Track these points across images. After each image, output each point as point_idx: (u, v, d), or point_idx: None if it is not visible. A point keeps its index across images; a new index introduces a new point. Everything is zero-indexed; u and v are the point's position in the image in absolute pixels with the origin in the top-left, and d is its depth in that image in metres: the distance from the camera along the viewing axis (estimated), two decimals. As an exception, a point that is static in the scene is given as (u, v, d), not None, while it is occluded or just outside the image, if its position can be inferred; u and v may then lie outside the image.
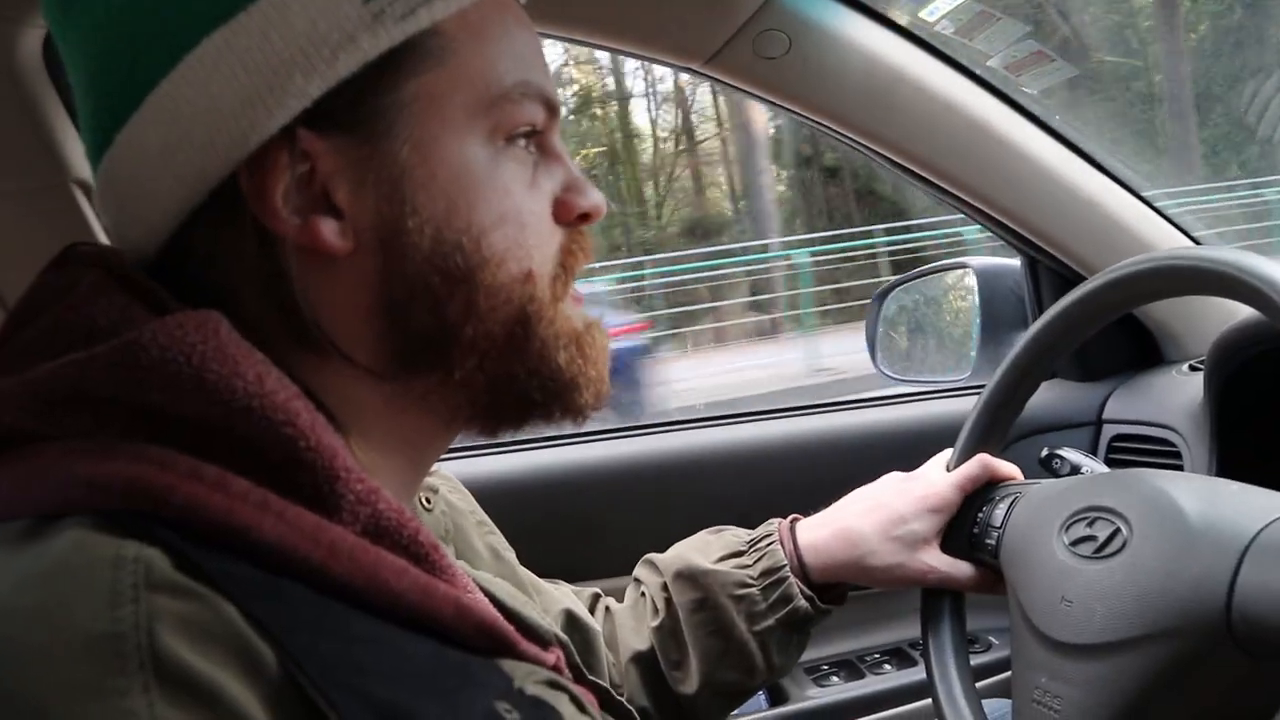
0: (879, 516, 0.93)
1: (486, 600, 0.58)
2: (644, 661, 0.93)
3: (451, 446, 0.67)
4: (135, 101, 0.53)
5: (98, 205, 0.60)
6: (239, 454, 0.48)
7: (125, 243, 0.58)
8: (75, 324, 0.52)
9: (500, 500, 0.94)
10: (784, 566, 0.91)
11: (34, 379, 0.49)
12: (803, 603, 0.91)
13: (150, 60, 0.53)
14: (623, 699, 0.78)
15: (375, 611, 0.49)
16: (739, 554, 0.94)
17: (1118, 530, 0.77)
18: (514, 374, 0.60)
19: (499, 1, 0.60)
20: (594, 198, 0.64)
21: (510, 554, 0.85)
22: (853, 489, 1.00)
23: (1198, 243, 1.36)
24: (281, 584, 0.47)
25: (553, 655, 0.62)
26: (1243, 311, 0.88)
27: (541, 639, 0.67)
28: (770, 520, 0.97)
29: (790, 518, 0.97)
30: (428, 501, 0.76)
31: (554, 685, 0.57)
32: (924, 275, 1.69)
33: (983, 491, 0.94)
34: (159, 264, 0.57)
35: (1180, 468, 1.15)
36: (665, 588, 0.95)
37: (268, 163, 0.53)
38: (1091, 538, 0.78)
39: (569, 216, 0.63)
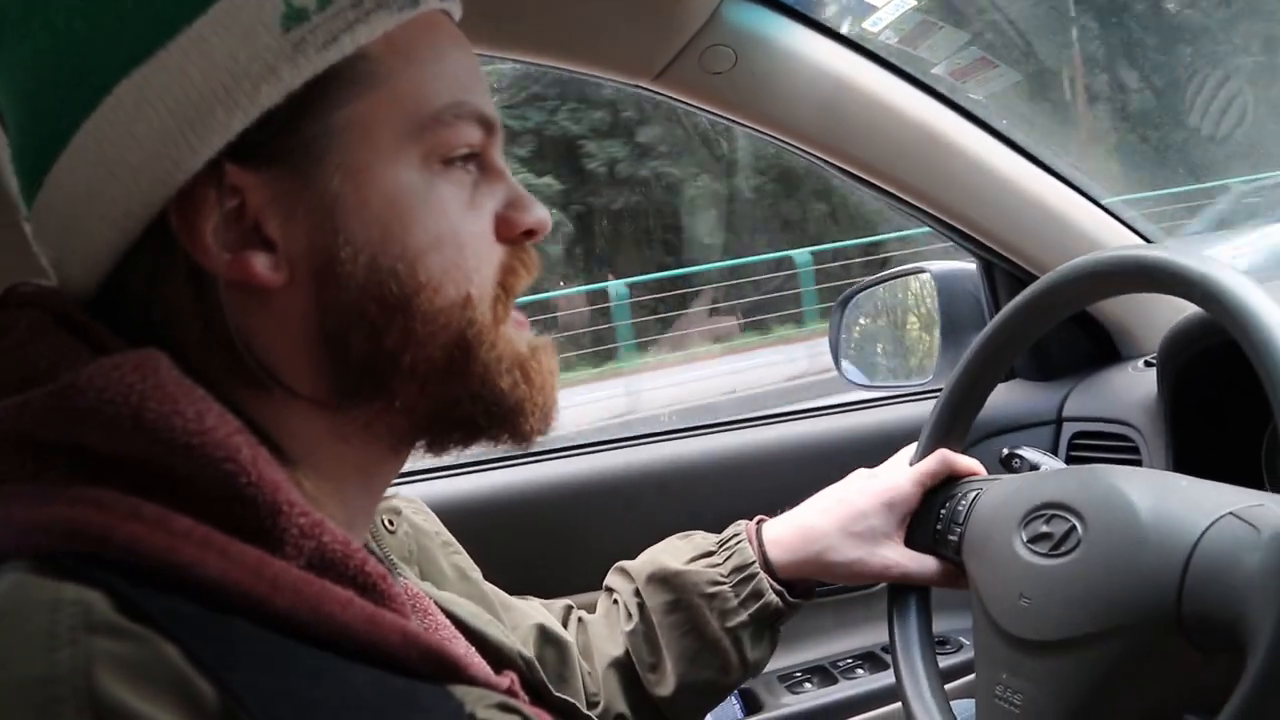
0: (839, 512, 0.94)
1: (444, 622, 0.58)
2: (620, 667, 0.94)
3: (417, 469, 0.67)
4: (61, 143, 0.53)
5: (35, 244, 0.59)
6: (180, 492, 0.48)
7: (66, 282, 0.58)
8: (12, 367, 0.52)
9: (469, 520, 0.94)
10: (753, 563, 0.93)
11: None
12: (773, 598, 0.92)
13: (73, 101, 0.53)
14: (590, 715, 0.79)
15: (321, 644, 0.49)
16: (709, 554, 0.95)
17: (1073, 528, 0.77)
18: (457, 399, 0.60)
19: (428, 22, 0.60)
20: (538, 213, 0.63)
21: (476, 573, 0.85)
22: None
23: (1148, 239, 1.39)
24: (225, 620, 0.47)
25: (506, 679, 0.62)
26: (1191, 306, 0.89)
27: (505, 658, 0.67)
28: (738, 521, 0.98)
29: (756, 519, 0.98)
30: (390, 524, 0.76)
31: (506, 709, 0.57)
32: (883, 281, 1.70)
33: (945, 487, 0.95)
34: (100, 301, 0.57)
35: (1139, 463, 1.16)
36: (638, 592, 0.96)
37: (196, 199, 0.53)
38: (1048, 535, 0.79)
39: (512, 234, 0.62)
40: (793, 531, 0.95)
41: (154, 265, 0.55)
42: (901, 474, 0.96)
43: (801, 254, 10.58)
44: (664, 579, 0.94)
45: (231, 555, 0.47)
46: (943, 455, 0.96)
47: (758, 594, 0.92)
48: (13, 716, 0.41)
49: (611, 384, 9.30)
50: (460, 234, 0.59)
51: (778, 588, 0.92)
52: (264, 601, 0.47)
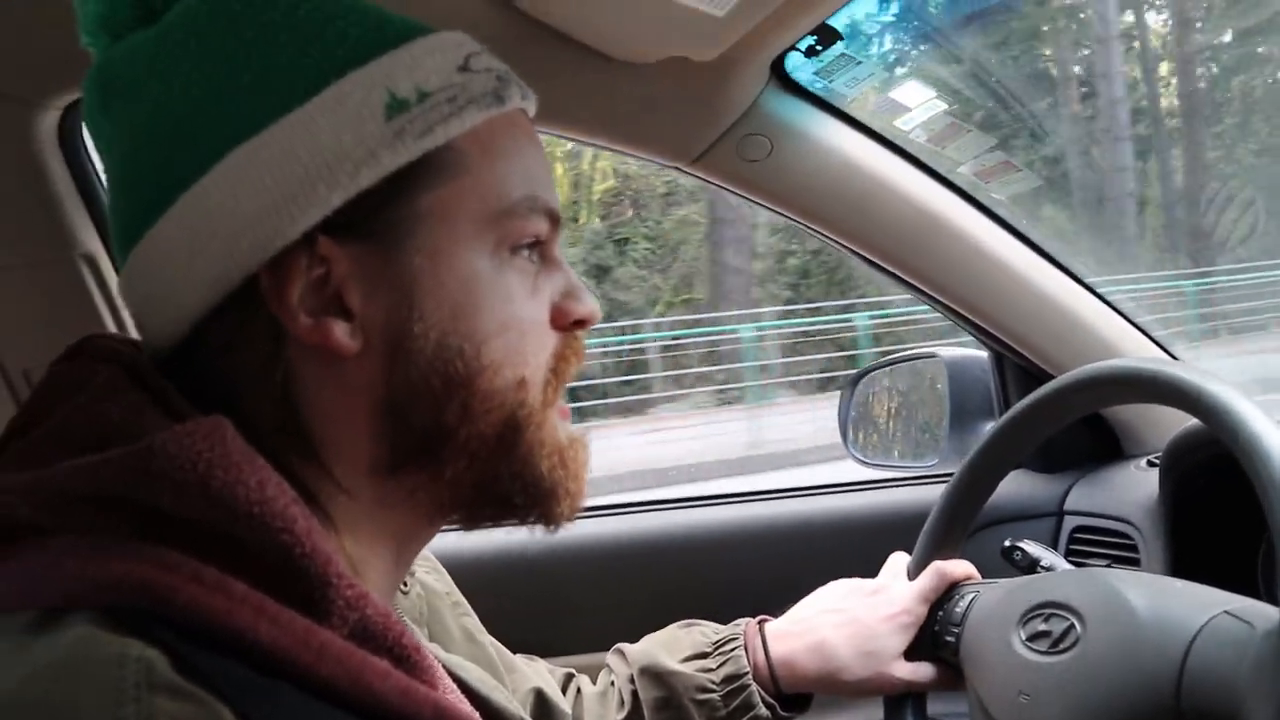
0: (852, 632, 0.96)
1: (465, 701, 0.60)
2: None
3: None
4: (166, 203, 0.56)
5: (122, 295, 0.62)
6: (238, 557, 0.50)
7: (147, 332, 0.61)
8: (88, 423, 0.54)
9: (479, 575, 0.96)
10: (746, 674, 0.94)
11: (50, 477, 0.51)
12: (763, 711, 0.93)
13: (183, 164, 0.56)
14: None
15: (358, 712, 0.50)
16: (704, 655, 0.96)
17: (1072, 626, 0.80)
18: (499, 475, 0.62)
19: (510, 119, 0.63)
20: (590, 304, 0.66)
21: (484, 635, 0.87)
22: (819, 573, 1.03)
23: (1158, 341, 1.42)
24: (272, 685, 0.48)
25: None
26: (1196, 416, 0.93)
27: None
28: (738, 621, 1.00)
29: (759, 619, 0.99)
30: (404, 585, 0.77)
31: None
32: (894, 363, 1.74)
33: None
34: (175, 353, 0.59)
35: (1137, 561, 1.18)
36: (632, 679, 0.97)
37: (287, 265, 0.56)
38: (1047, 633, 0.81)
39: (565, 322, 0.65)
40: (804, 648, 0.96)
41: (237, 323, 0.58)
42: (907, 592, 0.98)
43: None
44: (657, 675, 0.96)
45: (282, 623, 0.49)
46: (939, 570, 0.98)
47: (747, 706, 0.93)
48: None
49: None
50: (523, 320, 0.62)
51: (769, 700, 0.94)
52: (309, 669, 0.49)
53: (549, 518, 0.65)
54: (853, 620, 0.97)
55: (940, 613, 0.95)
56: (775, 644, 0.97)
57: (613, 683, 0.99)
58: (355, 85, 0.57)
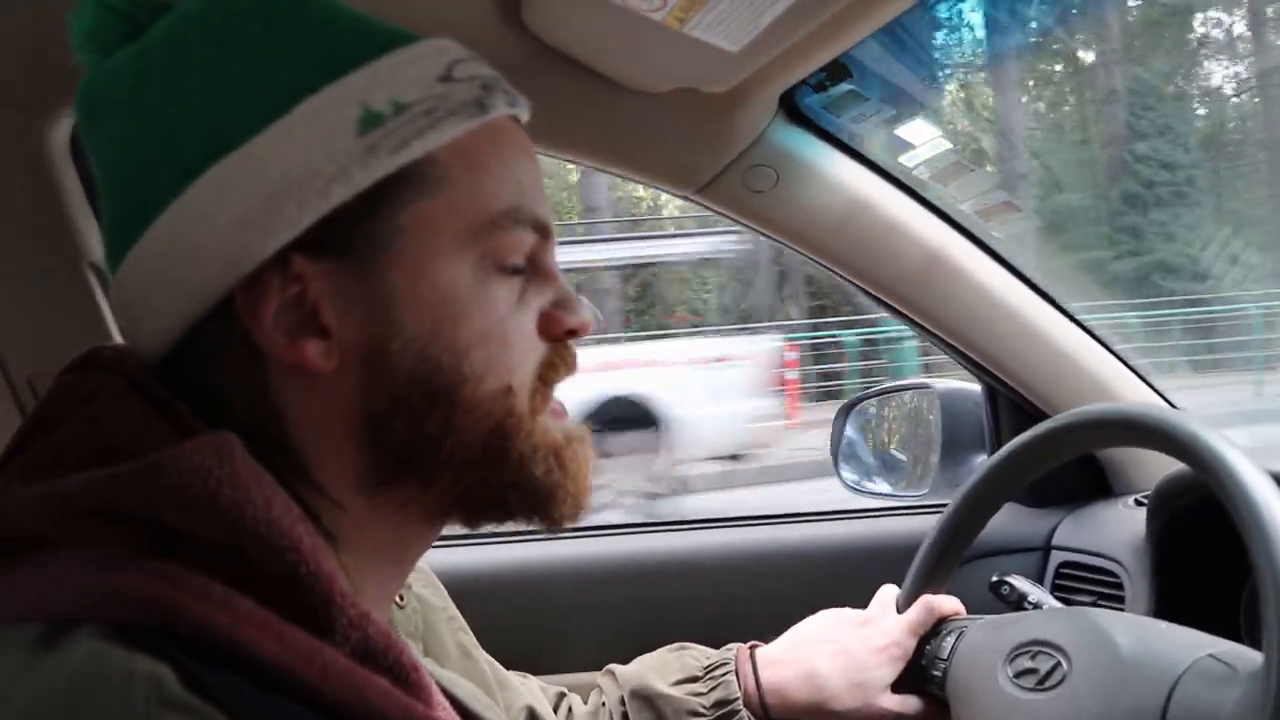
0: (843, 663, 0.96)
1: (453, 713, 0.60)
2: None
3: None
4: (147, 221, 0.57)
5: (113, 310, 0.63)
6: (244, 574, 0.50)
7: (135, 346, 0.61)
8: (96, 436, 0.55)
9: (476, 589, 0.97)
10: (736, 700, 0.95)
11: (59, 489, 0.51)
12: None
13: (163, 180, 0.56)
14: None
15: None
16: (695, 679, 0.97)
17: (1059, 663, 0.81)
18: (490, 483, 0.62)
19: (495, 128, 0.62)
20: (583, 315, 0.66)
21: (478, 650, 0.87)
22: (809, 600, 1.04)
23: (1150, 383, 1.43)
24: (277, 703, 0.48)
25: None
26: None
27: None
28: (730, 645, 1.00)
29: (750, 645, 1.00)
30: (400, 598, 0.77)
31: None
32: (888, 392, 1.75)
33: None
34: (164, 365, 0.60)
35: (1122, 599, 1.20)
36: (623, 701, 0.97)
37: (261, 284, 0.56)
38: (1034, 670, 0.82)
39: (556, 332, 0.64)
40: (795, 676, 0.97)
41: (216, 341, 0.58)
42: (899, 627, 0.99)
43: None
44: (648, 698, 0.96)
45: (286, 639, 0.49)
46: (928, 604, 0.99)
47: None
48: None
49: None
50: (507, 332, 0.61)
51: None
52: (314, 687, 0.49)
53: (550, 519, 0.65)
54: (844, 651, 0.97)
55: (927, 648, 0.96)
56: (766, 671, 0.97)
57: (604, 704, 1.00)
58: (329, 100, 0.56)
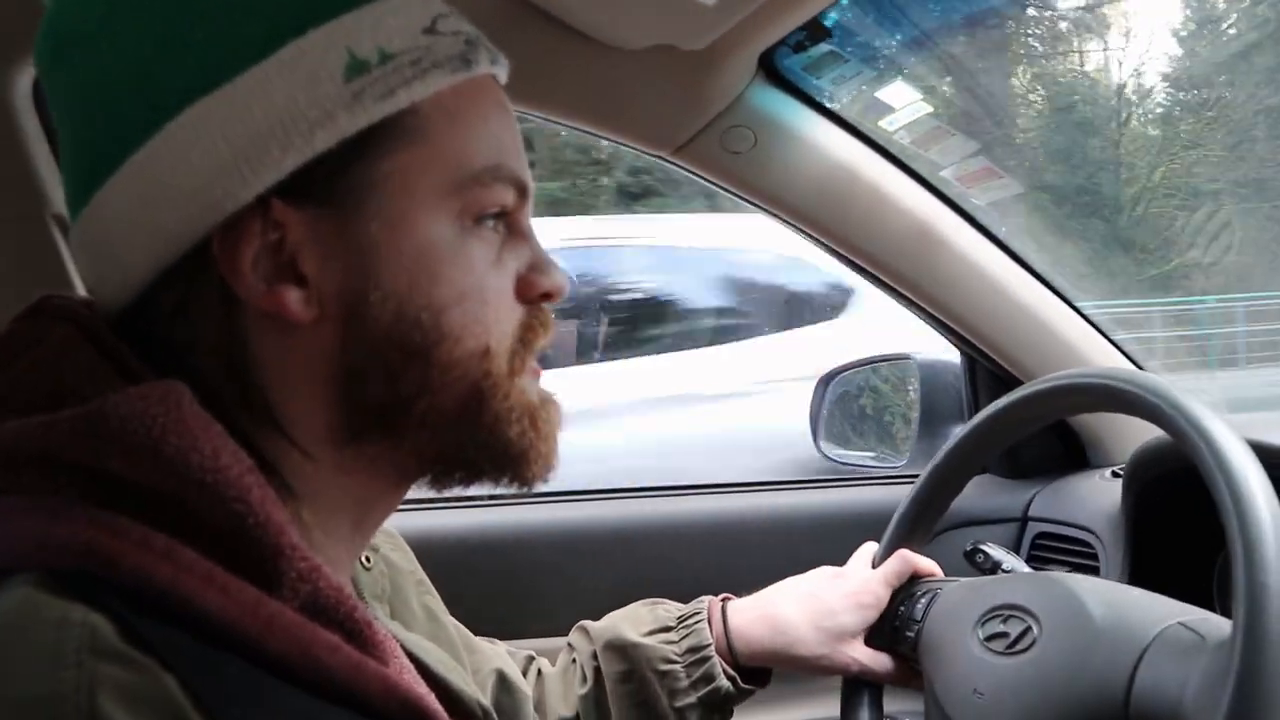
0: (809, 607, 0.96)
1: (416, 676, 0.59)
2: None
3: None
4: (116, 162, 0.55)
5: (73, 255, 0.61)
6: (189, 525, 0.49)
7: (97, 294, 0.60)
8: (41, 380, 0.53)
9: (445, 554, 0.96)
10: (708, 646, 0.94)
11: None
12: (724, 683, 0.93)
13: (133, 123, 0.55)
14: None
15: (307, 686, 0.50)
16: (667, 629, 0.96)
17: (1029, 628, 0.81)
18: (463, 444, 0.62)
19: (477, 85, 0.62)
20: (556, 279, 0.65)
21: (445, 615, 0.86)
22: (786, 567, 1.03)
23: (1126, 353, 1.43)
24: (219, 656, 0.47)
25: None
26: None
27: (465, 707, 0.68)
28: (702, 597, 1.00)
29: (721, 596, 1.00)
30: (367, 560, 0.76)
31: None
32: (868, 363, 1.75)
33: (904, 587, 0.98)
34: (127, 316, 0.58)
35: (1097, 569, 1.20)
36: (595, 656, 0.97)
37: (240, 229, 0.55)
38: (1004, 634, 0.82)
39: (531, 294, 0.64)
40: (761, 620, 0.96)
41: (188, 288, 0.56)
42: (872, 576, 0.98)
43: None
44: (621, 648, 0.95)
45: (231, 592, 0.48)
46: (905, 556, 0.99)
47: (709, 678, 0.93)
48: None
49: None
50: (485, 290, 0.61)
51: (730, 673, 0.94)
52: (257, 641, 0.48)
53: (520, 479, 0.64)
54: (810, 596, 0.97)
55: (901, 609, 0.96)
56: (734, 618, 0.97)
57: (574, 660, 0.99)
58: (314, 44, 0.55)
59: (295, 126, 0.54)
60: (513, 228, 0.64)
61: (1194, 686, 0.68)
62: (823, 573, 1.02)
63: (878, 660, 0.96)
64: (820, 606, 0.96)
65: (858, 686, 0.98)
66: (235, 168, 0.54)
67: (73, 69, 0.57)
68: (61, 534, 0.47)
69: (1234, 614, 0.66)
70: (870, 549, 1.03)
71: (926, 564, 1.00)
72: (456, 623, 0.88)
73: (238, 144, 0.54)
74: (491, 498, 1.33)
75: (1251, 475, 0.69)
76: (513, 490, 0.65)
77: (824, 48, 1.09)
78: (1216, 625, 0.73)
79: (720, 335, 4.06)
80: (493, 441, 0.62)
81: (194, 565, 0.48)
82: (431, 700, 0.58)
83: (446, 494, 0.67)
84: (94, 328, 0.56)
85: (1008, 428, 0.96)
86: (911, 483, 1.04)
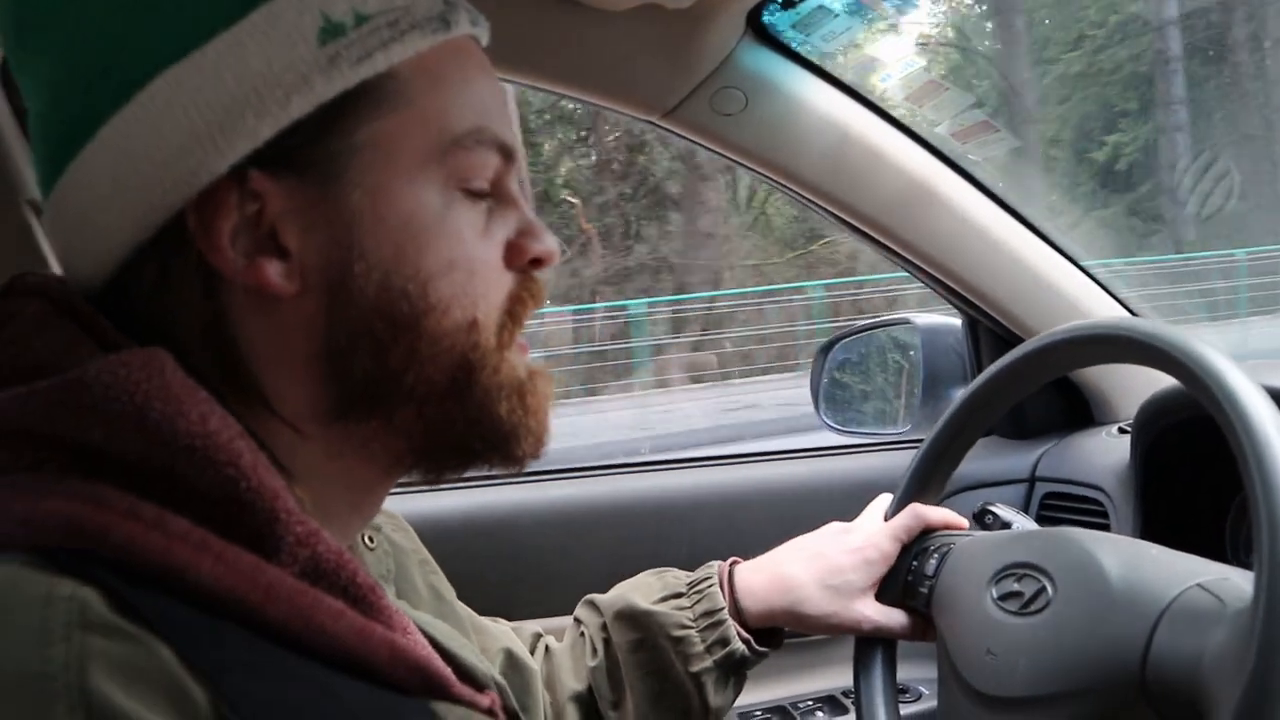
0: (816, 565, 0.94)
1: (424, 642, 0.58)
2: (581, 702, 0.94)
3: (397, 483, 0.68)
4: (87, 135, 0.54)
5: (47, 234, 0.60)
6: (180, 493, 0.48)
7: (73, 272, 0.58)
8: (16, 357, 0.52)
9: (446, 536, 0.94)
10: (722, 609, 0.92)
11: None
12: (739, 645, 0.91)
13: (103, 94, 0.53)
14: None
15: (310, 653, 0.49)
16: (679, 595, 0.95)
17: (1044, 588, 0.79)
18: (452, 421, 0.60)
19: (457, 47, 0.60)
20: (548, 243, 0.64)
21: (451, 594, 0.85)
22: (788, 539, 1.01)
23: (1129, 308, 1.42)
24: (217, 625, 0.47)
25: (488, 698, 0.62)
26: (1167, 379, 0.92)
27: (477, 682, 0.67)
28: (710, 563, 0.98)
29: (730, 561, 0.98)
30: (370, 540, 0.75)
31: None
32: (868, 330, 1.73)
33: (917, 541, 0.96)
34: (105, 294, 0.57)
35: (1107, 527, 1.18)
36: (605, 628, 0.96)
37: (216, 201, 0.54)
38: (1018, 593, 0.80)
39: (521, 261, 0.63)
40: (768, 581, 0.95)
41: (165, 264, 0.55)
42: (880, 530, 0.97)
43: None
44: (632, 617, 0.94)
45: (227, 560, 0.47)
46: (916, 510, 0.96)
47: (724, 641, 0.92)
48: (3, 712, 0.41)
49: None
50: (473, 260, 0.59)
51: (745, 635, 0.92)
52: (257, 608, 0.48)
53: (510, 459, 0.63)
54: (817, 555, 0.95)
55: (914, 564, 0.94)
56: (741, 580, 0.96)
57: (583, 633, 0.98)
58: (286, 7, 0.54)
59: (269, 93, 0.53)
60: (500, 193, 0.63)
61: (1212, 655, 0.66)
62: (830, 529, 1.00)
63: (890, 616, 0.94)
64: (826, 564, 0.94)
65: (871, 645, 0.96)
66: (209, 137, 0.52)
67: (39, 45, 0.56)
68: (45, 509, 0.46)
69: (1255, 574, 0.63)
70: (883, 502, 1.01)
71: (939, 515, 0.97)
72: (462, 604, 0.88)
73: (210, 112, 0.52)
74: (488, 476, 1.31)
75: (1270, 422, 0.67)
76: (505, 471, 0.64)
77: (812, 3, 1.07)
78: (1236, 586, 0.70)
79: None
80: (482, 418, 0.61)
81: (187, 534, 0.47)
82: (440, 663, 0.57)
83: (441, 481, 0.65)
84: (70, 302, 0.55)
85: (1021, 380, 0.94)
86: (915, 448, 1.02)
